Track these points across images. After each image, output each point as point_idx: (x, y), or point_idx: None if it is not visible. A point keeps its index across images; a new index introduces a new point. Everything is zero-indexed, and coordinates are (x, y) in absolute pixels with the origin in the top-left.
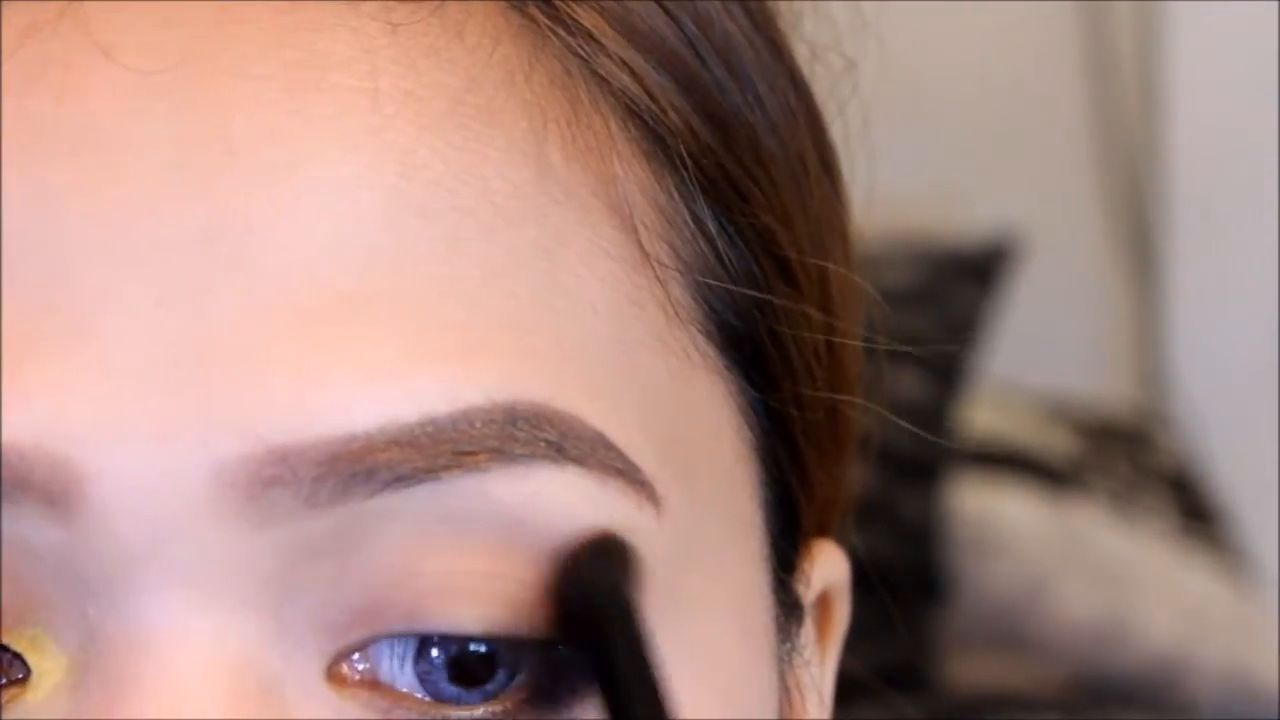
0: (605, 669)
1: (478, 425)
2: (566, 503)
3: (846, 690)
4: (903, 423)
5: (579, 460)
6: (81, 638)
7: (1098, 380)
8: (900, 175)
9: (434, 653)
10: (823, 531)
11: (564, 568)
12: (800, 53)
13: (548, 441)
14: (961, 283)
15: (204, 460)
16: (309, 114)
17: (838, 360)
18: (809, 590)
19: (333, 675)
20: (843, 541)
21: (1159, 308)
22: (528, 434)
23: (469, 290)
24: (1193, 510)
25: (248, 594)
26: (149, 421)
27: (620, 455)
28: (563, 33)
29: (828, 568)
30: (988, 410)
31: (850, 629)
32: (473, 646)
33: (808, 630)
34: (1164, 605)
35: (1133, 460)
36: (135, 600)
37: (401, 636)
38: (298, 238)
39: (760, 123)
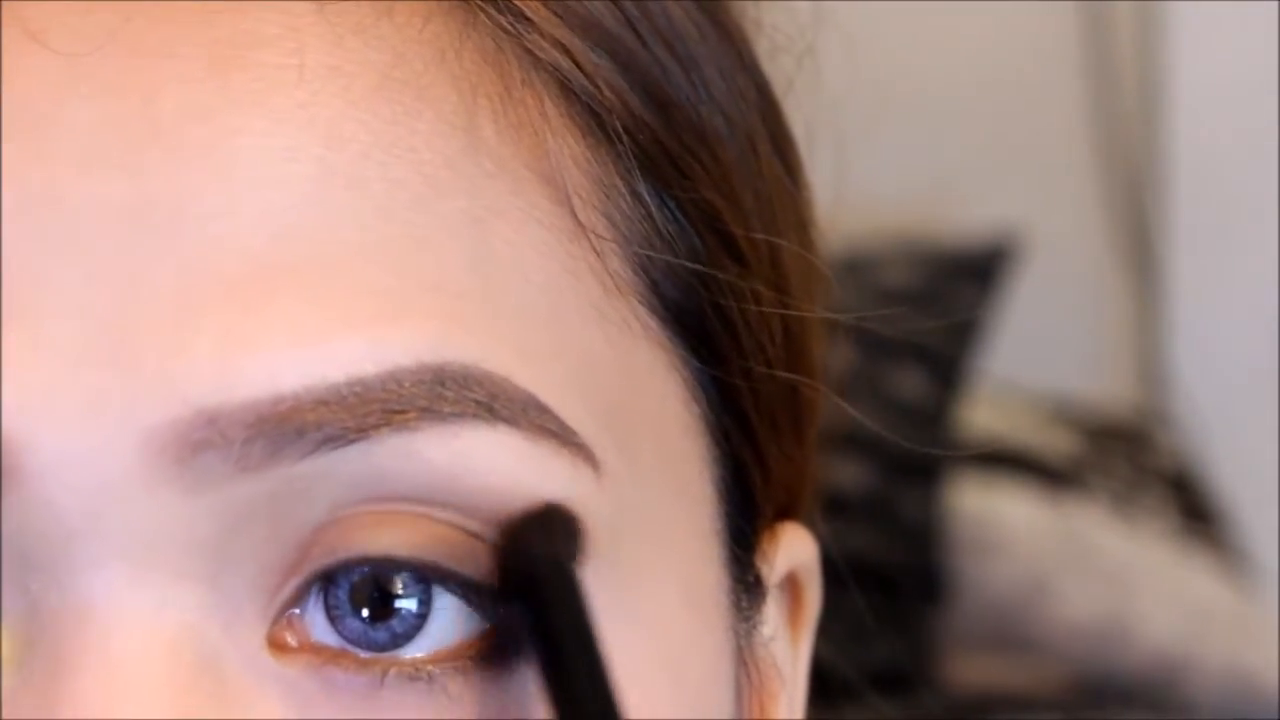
0: (544, 639)
1: (406, 385)
2: (498, 461)
3: (847, 690)
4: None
5: (510, 420)
6: (26, 613)
7: (1098, 380)
8: (901, 175)
9: (338, 588)
10: (789, 514)
11: (507, 534)
12: (800, 55)
13: (477, 401)
14: (961, 283)
15: (134, 428)
16: (234, 91)
17: (794, 339)
18: (771, 570)
19: (274, 641)
20: (813, 527)
21: (1159, 308)
22: (456, 394)
23: (397, 256)
24: (1193, 510)
25: (185, 564)
26: (79, 393)
27: (554, 417)
28: (493, 11)
29: (794, 549)
30: (988, 410)
31: (850, 629)
32: (380, 578)
33: (771, 610)
34: (1164, 605)
35: (1133, 460)
36: (74, 574)
37: (327, 571)
38: (224, 211)
39: (704, 102)
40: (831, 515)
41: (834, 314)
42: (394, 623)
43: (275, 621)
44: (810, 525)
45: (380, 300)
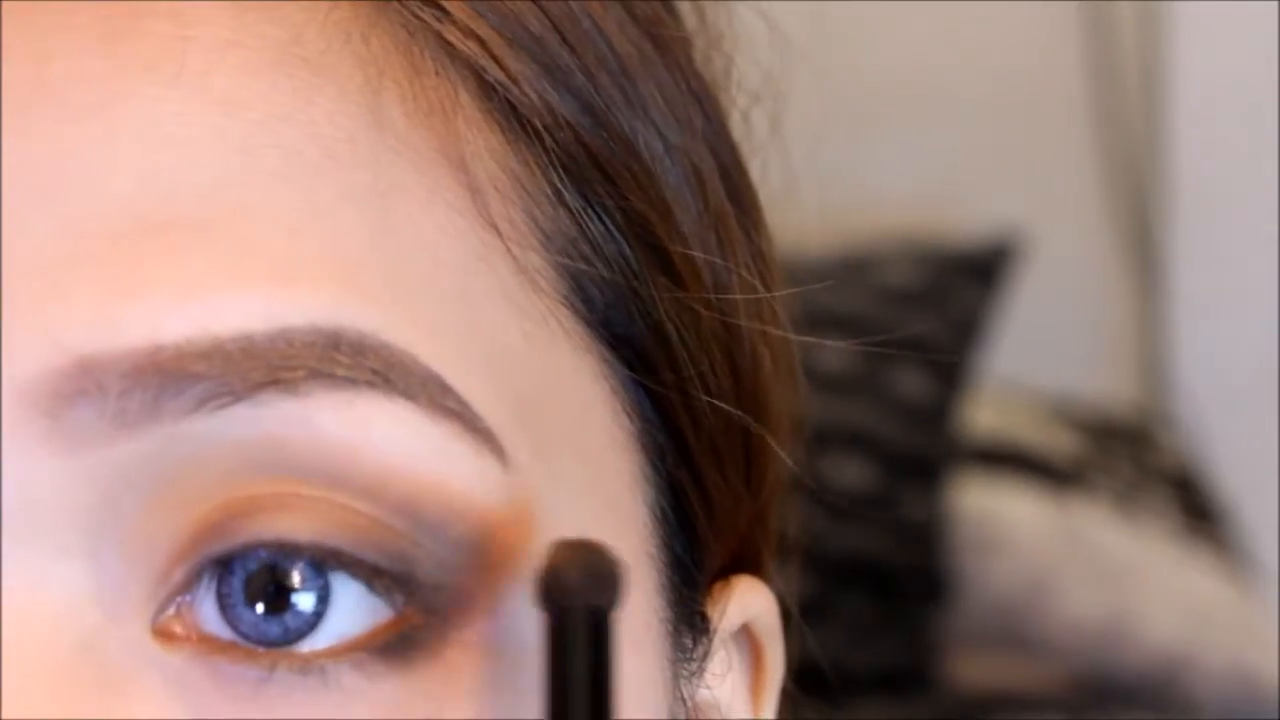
0: (560, 688)
1: (296, 345)
2: (396, 436)
3: (848, 690)
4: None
5: (409, 395)
6: None
7: (1100, 379)
8: (904, 174)
9: (232, 576)
10: (748, 567)
11: (548, 563)
12: (798, 53)
13: (373, 370)
14: (964, 282)
15: (6, 377)
16: (125, 58)
17: (743, 378)
18: (723, 618)
19: (160, 629)
20: (778, 584)
21: (1161, 307)
22: (351, 360)
23: (294, 221)
24: (1195, 509)
25: (66, 536)
26: None
27: (456, 397)
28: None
29: (750, 603)
30: (990, 409)
31: (853, 628)
32: (275, 567)
33: (722, 658)
34: (1166, 604)
35: (1135, 459)
36: None
37: (221, 557)
38: (110, 170)
39: (638, 117)
40: (833, 515)
41: (890, 341)
42: (287, 617)
43: (163, 608)
44: (802, 525)
45: (274, 261)
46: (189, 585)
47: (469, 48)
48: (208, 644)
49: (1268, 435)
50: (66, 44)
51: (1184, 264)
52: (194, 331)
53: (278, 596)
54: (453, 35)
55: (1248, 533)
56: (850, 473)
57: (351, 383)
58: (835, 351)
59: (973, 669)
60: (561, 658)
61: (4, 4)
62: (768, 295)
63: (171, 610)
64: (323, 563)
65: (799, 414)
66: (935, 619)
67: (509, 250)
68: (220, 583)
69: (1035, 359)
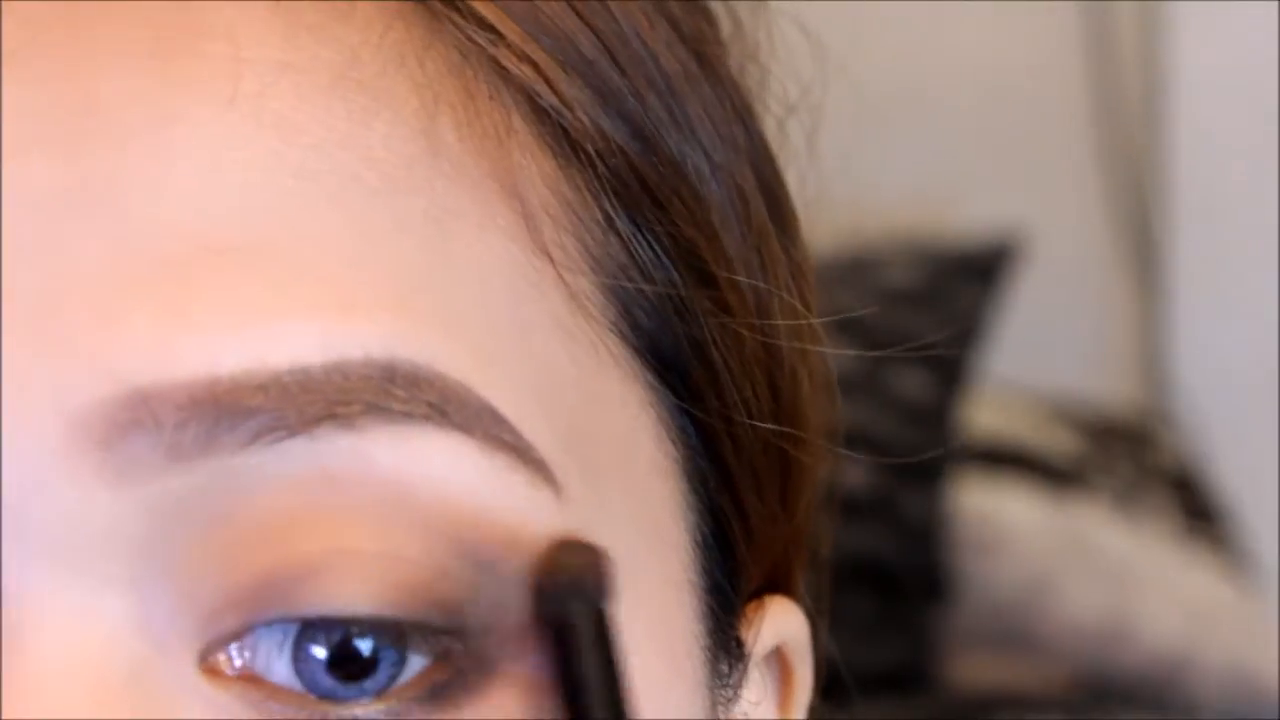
0: (574, 688)
1: (353, 378)
2: (453, 470)
3: (850, 690)
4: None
5: (464, 428)
6: None
7: (1100, 379)
8: (903, 175)
9: (312, 644)
10: (780, 588)
11: (538, 571)
12: (796, 54)
13: (429, 403)
14: (964, 282)
15: (58, 406)
16: (179, 78)
17: (782, 397)
18: (757, 641)
19: (207, 666)
20: (813, 600)
21: (1161, 307)
22: (407, 393)
23: (349, 247)
24: (1195, 510)
25: (113, 567)
26: (5, 374)
27: (510, 429)
28: (460, 20)
29: (782, 624)
30: (990, 410)
31: (853, 628)
32: (356, 641)
33: (756, 681)
34: (1166, 604)
35: (1135, 459)
36: None
37: (280, 623)
38: (164, 192)
39: (686, 140)
40: (834, 515)
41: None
42: (366, 683)
43: (212, 649)
44: (819, 535)
45: (329, 289)
46: (241, 635)
47: (523, 71)
48: (259, 685)
49: (1268, 435)
50: (117, 63)
51: (1184, 264)
52: (251, 363)
53: (354, 661)
54: (507, 59)
55: (1248, 533)
56: (850, 473)
57: (407, 416)
58: (834, 352)
59: (973, 669)
60: (576, 659)
61: (53, 21)
62: (810, 321)
63: (222, 655)
64: (384, 633)
65: (832, 426)
66: (935, 619)
67: (560, 277)
68: (297, 647)
69: (1035, 359)
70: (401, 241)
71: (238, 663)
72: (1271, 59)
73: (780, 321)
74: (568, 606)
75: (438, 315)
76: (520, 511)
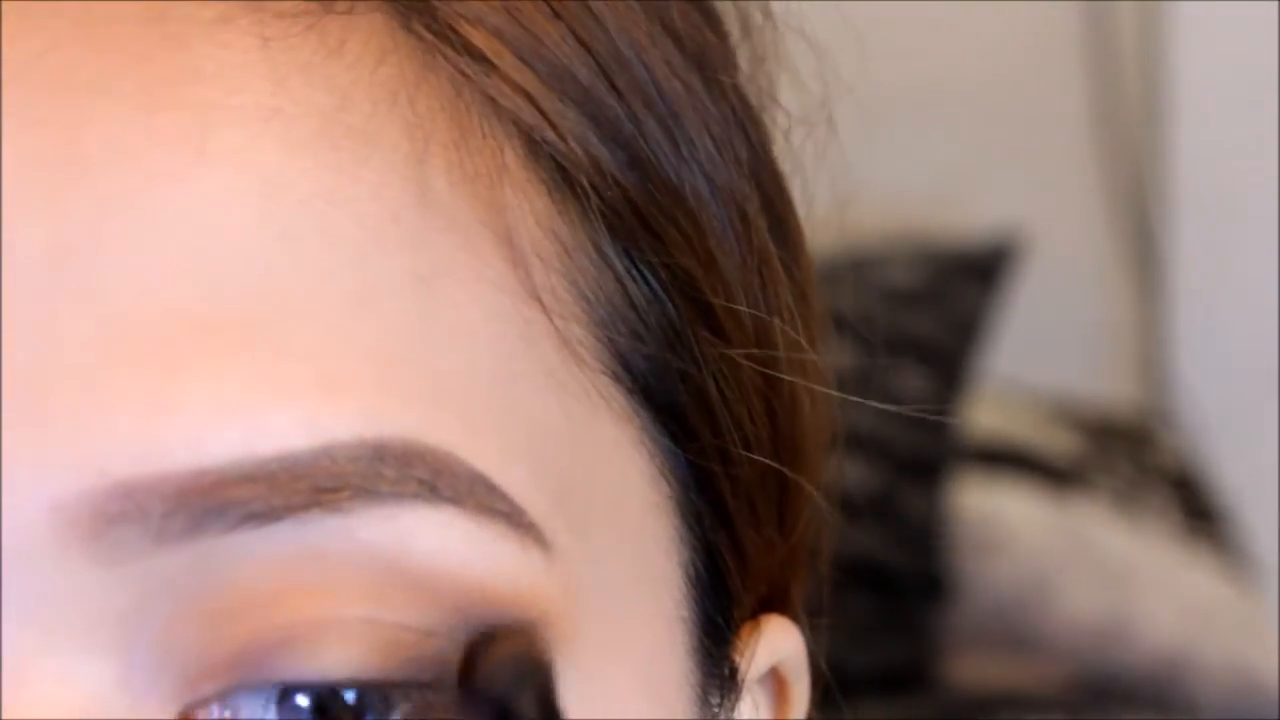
0: None
1: (341, 461)
2: (443, 544)
3: (848, 690)
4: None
5: (455, 500)
6: None
7: (1100, 379)
8: (904, 174)
9: (298, 699)
10: (775, 606)
11: (479, 655)
12: (797, 55)
13: (419, 480)
14: (964, 282)
15: (42, 498)
16: (166, 132)
17: (779, 420)
18: (750, 664)
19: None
20: (812, 601)
21: (1161, 307)
22: (396, 472)
23: (334, 319)
24: (1195, 509)
25: (97, 634)
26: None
27: (502, 496)
28: (452, 53)
29: (777, 643)
30: (990, 409)
31: (853, 628)
32: (343, 693)
33: (748, 705)
34: (1166, 604)
35: (1135, 459)
36: None
37: (262, 689)
38: (150, 261)
39: (685, 163)
40: (834, 515)
41: (891, 341)
42: None
43: (194, 707)
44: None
45: (315, 368)
46: (221, 698)
47: (516, 103)
48: None
49: (1268, 434)
50: (102, 111)
51: (1184, 263)
52: (238, 453)
53: (330, 707)
54: (499, 90)
55: (1247, 532)
56: (850, 473)
57: (396, 497)
58: (834, 352)
59: (973, 669)
60: None
61: (38, 59)
62: (812, 356)
63: (202, 713)
64: (369, 691)
65: (831, 437)
66: (935, 619)
67: (552, 324)
68: (266, 702)
69: (1035, 359)
70: (388, 306)
71: (218, 717)
72: (1271, 59)
73: (779, 354)
74: (515, 699)
75: (425, 384)
76: (510, 576)
